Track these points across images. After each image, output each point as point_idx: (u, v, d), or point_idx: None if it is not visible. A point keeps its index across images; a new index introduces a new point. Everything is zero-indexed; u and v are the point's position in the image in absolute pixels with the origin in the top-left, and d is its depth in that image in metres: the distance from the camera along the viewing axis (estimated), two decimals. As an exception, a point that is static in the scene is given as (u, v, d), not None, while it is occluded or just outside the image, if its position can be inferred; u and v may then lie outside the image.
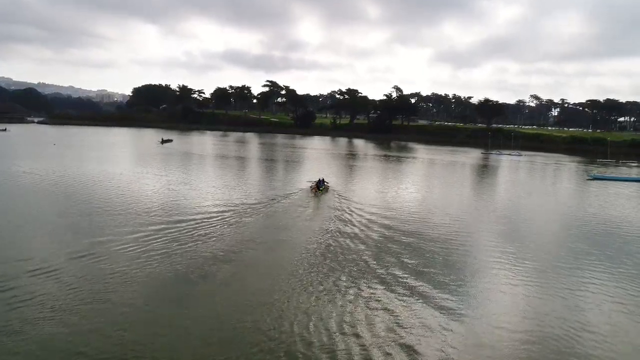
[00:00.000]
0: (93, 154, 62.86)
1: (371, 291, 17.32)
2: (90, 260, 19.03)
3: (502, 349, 13.65)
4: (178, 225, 25.06)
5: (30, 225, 24.32)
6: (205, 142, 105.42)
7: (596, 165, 78.95)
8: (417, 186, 45.78)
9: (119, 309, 14.93)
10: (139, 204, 30.37)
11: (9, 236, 22.22)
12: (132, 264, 18.82)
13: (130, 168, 49.05)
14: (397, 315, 15.33)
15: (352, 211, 30.96)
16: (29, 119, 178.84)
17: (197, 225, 25.12)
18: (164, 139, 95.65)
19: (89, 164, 50.31)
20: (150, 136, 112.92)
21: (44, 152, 62.77)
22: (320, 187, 37.69)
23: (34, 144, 77.36)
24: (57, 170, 43.21)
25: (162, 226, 24.73)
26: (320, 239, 24.06)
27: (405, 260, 21.15)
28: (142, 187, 36.58)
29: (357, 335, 13.90)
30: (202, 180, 42.83)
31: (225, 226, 25.55)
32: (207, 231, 24.20)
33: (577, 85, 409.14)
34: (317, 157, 76.01)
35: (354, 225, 27.17)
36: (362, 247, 23.04)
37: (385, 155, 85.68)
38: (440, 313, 15.69)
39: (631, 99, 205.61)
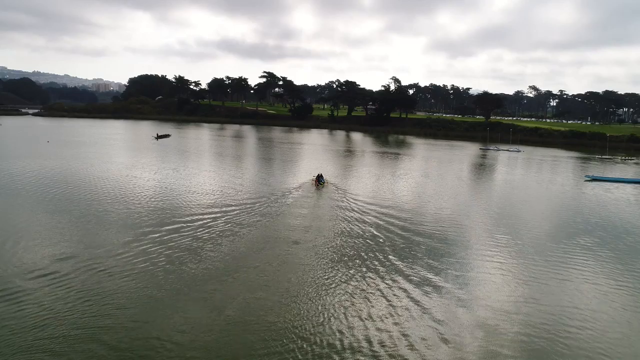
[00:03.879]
0: (88, 153, 62.00)
1: (379, 275, 20.38)
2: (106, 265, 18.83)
3: (500, 328, 16.08)
4: (193, 223, 26.94)
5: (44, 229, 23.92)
6: (203, 137, 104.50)
7: (595, 163, 78.56)
8: (417, 187, 45.29)
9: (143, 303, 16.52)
10: (142, 207, 30.15)
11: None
12: (141, 265, 19.48)
13: (129, 171, 48.27)
14: (403, 298, 18.08)
15: (353, 207, 33.60)
16: (23, 110, 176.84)
17: (209, 224, 27.00)
18: (160, 134, 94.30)
19: (84, 166, 49.53)
20: (146, 130, 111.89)
21: (38, 151, 61.88)
22: (320, 181, 41.30)
23: (28, 141, 76.39)
24: (52, 175, 42.50)
25: (178, 225, 26.51)
26: (328, 229, 27.48)
27: (411, 250, 24.29)
28: (144, 191, 35.92)
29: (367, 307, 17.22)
30: (206, 181, 42.52)
31: (243, 219, 28.55)
32: (224, 228, 26.38)
33: (573, 74, 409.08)
34: (316, 154, 75.28)
35: (357, 220, 30.07)
36: (366, 235, 26.49)
37: (383, 152, 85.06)
38: (442, 294, 18.67)
39: (627, 88, 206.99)
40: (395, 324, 15.85)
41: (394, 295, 18.23)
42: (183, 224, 26.74)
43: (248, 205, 32.49)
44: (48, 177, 41.62)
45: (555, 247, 26.21)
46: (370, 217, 30.70)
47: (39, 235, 24.10)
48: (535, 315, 17.13)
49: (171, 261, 20.71)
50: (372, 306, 17.12)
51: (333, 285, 18.88)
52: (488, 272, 21.55)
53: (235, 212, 30.47)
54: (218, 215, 29.28)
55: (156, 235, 24.49)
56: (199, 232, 25.33)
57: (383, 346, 14.40)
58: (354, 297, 17.81)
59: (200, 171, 50.08)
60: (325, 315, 16.16)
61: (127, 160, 57.87)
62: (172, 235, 24.46)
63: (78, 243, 22.98)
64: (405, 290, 18.68)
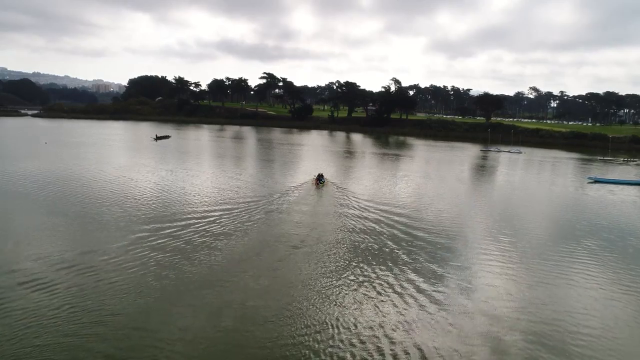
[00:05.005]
0: (86, 154, 61.45)
1: (387, 281, 19.82)
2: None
3: (509, 331, 15.87)
4: (190, 226, 26.54)
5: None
6: (202, 138, 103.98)
7: (597, 165, 77.96)
8: (418, 189, 44.73)
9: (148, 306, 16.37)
10: (138, 210, 29.41)
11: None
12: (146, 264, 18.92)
13: (127, 173, 47.69)
14: (407, 295, 18.32)
15: (355, 208, 33.58)
16: (23, 111, 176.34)
17: (207, 226, 26.65)
18: (159, 135, 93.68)
19: (81, 167, 48.99)
20: (146, 131, 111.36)
21: (36, 152, 61.34)
22: (321, 180, 42.27)
23: (27, 142, 75.90)
24: (48, 176, 41.93)
25: (175, 228, 26.06)
26: (330, 232, 27.28)
27: (417, 254, 23.99)
28: (141, 193, 35.30)
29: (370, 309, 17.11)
30: (205, 183, 41.98)
31: (242, 221, 28.39)
32: (222, 231, 26.01)
33: (572, 75, 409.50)
34: (316, 155, 74.72)
35: (359, 222, 29.80)
36: (370, 238, 26.17)
37: (383, 153, 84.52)
38: (451, 298, 18.37)
39: (627, 89, 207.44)
40: (407, 332, 15.22)
41: (404, 302, 17.59)
42: (180, 227, 26.18)
43: (247, 207, 31.97)
44: (44, 178, 41.04)
45: (561, 249, 25.72)
46: (372, 219, 30.16)
47: (32, 237, 23.55)
48: (545, 318, 16.79)
49: (166, 266, 20.13)
50: (382, 315, 16.39)
51: (338, 292, 18.18)
52: (495, 275, 21.09)
53: (234, 214, 29.94)
54: (216, 217, 28.74)
55: (152, 238, 23.91)
56: (196, 235, 24.77)
57: (395, 358, 13.79)
58: (361, 305, 17.10)
59: (199, 173, 49.51)
60: (331, 326, 15.42)
61: (125, 161, 57.27)
62: (168, 239, 23.90)
63: (71, 246, 22.43)
64: (414, 297, 18.07)
